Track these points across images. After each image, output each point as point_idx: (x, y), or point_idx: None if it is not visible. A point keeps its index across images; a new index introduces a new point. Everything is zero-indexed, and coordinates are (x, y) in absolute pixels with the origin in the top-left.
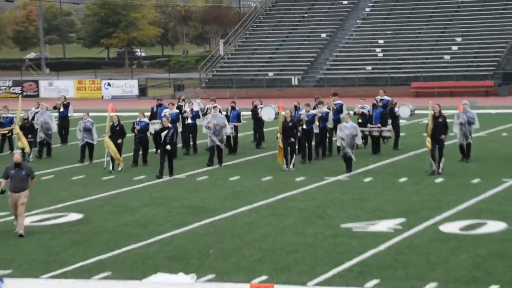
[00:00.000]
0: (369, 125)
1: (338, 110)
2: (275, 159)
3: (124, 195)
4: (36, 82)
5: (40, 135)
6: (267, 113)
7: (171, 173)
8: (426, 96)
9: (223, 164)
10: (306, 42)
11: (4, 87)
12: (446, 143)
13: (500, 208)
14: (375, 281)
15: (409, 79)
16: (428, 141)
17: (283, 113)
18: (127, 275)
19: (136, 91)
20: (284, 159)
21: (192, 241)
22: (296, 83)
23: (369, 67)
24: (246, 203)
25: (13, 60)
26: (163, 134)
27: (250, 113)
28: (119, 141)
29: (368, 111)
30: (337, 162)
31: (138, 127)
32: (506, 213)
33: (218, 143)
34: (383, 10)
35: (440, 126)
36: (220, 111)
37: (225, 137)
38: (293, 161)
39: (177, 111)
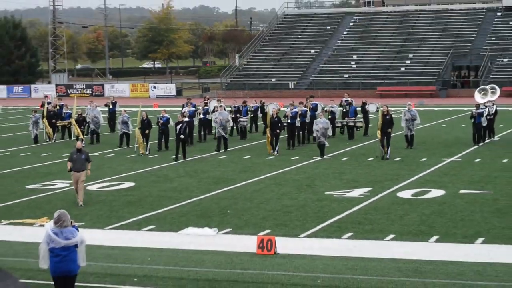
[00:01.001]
0: (346, 118)
1: (314, 109)
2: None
3: (165, 169)
4: (102, 85)
5: (91, 127)
6: (271, 108)
7: (184, 157)
8: (388, 97)
9: (229, 149)
10: (300, 56)
11: (80, 89)
12: (395, 134)
13: (440, 180)
14: (349, 234)
15: (375, 84)
16: (379, 133)
17: (271, 111)
18: (166, 228)
19: (174, 92)
20: (270, 146)
21: (214, 203)
22: (292, 87)
23: (346, 75)
24: (255, 175)
25: (86, 69)
26: (178, 126)
27: (257, 108)
28: (147, 131)
29: (346, 106)
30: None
31: (161, 121)
32: (444, 183)
33: (223, 133)
34: (356, 33)
35: (387, 122)
36: (224, 109)
37: (229, 128)
38: (277, 147)
39: (194, 109)
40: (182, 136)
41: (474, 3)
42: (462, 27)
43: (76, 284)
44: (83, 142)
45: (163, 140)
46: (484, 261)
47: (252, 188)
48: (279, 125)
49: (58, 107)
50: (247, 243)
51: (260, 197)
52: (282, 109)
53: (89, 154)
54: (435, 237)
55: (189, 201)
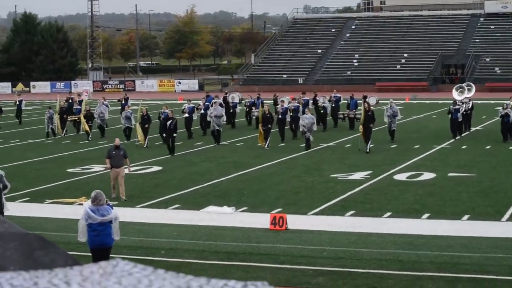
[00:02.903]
0: (347, 110)
1: (306, 104)
2: (287, 132)
3: (189, 154)
4: (133, 81)
5: (98, 122)
6: (284, 100)
7: (172, 152)
8: (386, 91)
9: (244, 137)
10: (308, 55)
11: (114, 84)
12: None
13: (432, 164)
14: (351, 212)
15: (374, 80)
16: (361, 128)
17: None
18: (190, 206)
19: (196, 87)
20: (263, 139)
21: (232, 185)
22: (301, 82)
23: (349, 72)
24: (268, 160)
25: (119, 68)
26: (168, 122)
27: (272, 101)
28: (146, 126)
29: (347, 100)
30: (328, 135)
31: (162, 116)
32: (435, 167)
33: (217, 127)
34: (357, 35)
35: (369, 118)
36: (220, 105)
37: (223, 122)
38: (268, 141)
39: (193, 105)
40: (175, 135)
41: (460, 10)
42: (450, 31)
43: (110, 255)
44: (90, 137)
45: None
46: (470, 235)
47: (266, 172)
48: (271, 120)
49: (78, 102)
50: (261, 220)
51: (273, 180)
52: (262, 108)
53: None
54: (426, 215)
55: (210, 183)
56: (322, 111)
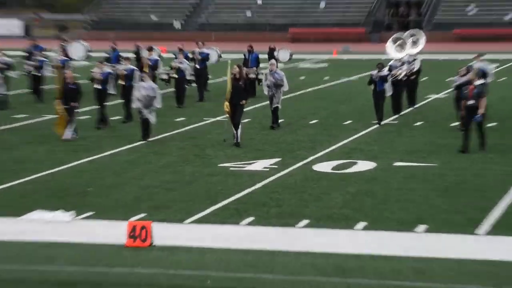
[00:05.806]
0: (245, 68)
1: (153, 67)
2: None
3: (4, 132)
4: None
5: None
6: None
7: None
8: (302, 42)
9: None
10: None
11: None
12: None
13: (370, 148)
14: (250, 219)
15: (286, 26)
16: (227, 106)
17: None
18: (4, 211)
19: (21, 31)
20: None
21: (71, 178)
22: (179, 27)
23: (248, 13)
24: (127, 141)
25: None
26: None
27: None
28: None
29: (244, 55)
30: (215, 106)
31: None
32: (375, 153)
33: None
34: None
35: (239, 90)
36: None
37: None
38: (72, 126)
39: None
40: None
41: None
42: None
43: None
44: None
45: None
46: (428, 255)
47: (123, 159)
48: (78, 95)
49: None
50: (114, 232)
51: (133, 170)
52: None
53: None
54: (362, 224)
55: (35, 175)
56: (177, 76)
